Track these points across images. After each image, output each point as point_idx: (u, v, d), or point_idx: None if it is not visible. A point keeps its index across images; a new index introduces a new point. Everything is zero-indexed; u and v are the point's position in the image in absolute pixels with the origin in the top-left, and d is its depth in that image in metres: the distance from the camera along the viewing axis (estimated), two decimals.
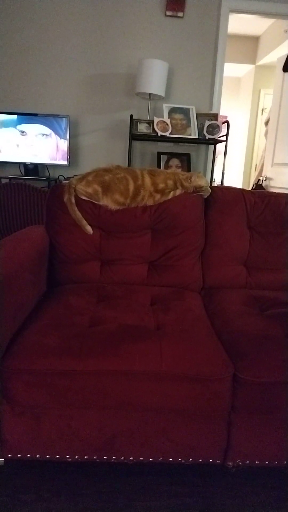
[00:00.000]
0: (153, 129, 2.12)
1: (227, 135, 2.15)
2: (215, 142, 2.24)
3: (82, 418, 0.81)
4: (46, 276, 1.15)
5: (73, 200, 1.12)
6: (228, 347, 0.84)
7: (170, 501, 0.84)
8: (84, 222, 1.14)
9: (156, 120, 2.11)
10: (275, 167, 2.56)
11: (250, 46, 3.62)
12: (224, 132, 2.17)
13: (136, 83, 2.14)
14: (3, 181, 2.07)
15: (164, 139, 2.16)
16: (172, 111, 2.19)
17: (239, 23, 3.24)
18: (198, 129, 2.18)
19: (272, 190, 2.56)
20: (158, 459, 0.85)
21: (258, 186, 2.75)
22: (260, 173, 3.15)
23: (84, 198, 1.14)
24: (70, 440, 0.82)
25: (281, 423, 0.82)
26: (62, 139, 2.17)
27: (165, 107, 2.18)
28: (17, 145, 2.16)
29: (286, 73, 2.38)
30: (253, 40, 3.62)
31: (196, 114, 2.19)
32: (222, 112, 2.76)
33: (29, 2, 2.17)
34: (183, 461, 0.85)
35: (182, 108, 2.19)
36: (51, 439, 0.82)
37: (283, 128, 2.45)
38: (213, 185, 1.82)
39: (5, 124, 2.14)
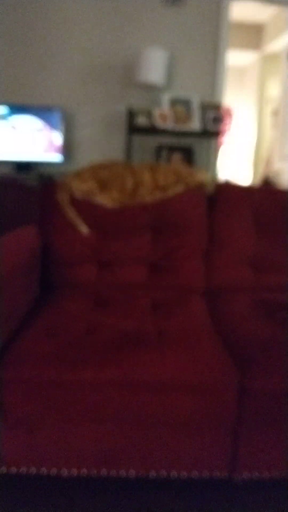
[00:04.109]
0: (153, 121, 2.05)
1: (231, 127, 2.08)
2: (219, 134, 2.17)
3: (79, 430, 0.78)
4: (39, 279, 1.13)
5: (67, 198, 1.10)
6: (234, 354, 0.82)
7: None
8: (80, 221, 1.11)
9: (156, 111, 2.05)
10: (284, 160, 2.49)
11: (254, 34, 3.54)
12: (228, 123, 2.09)
13: (135, 73, 2.08)
14: None
15: (164, 132, 2.09)
16: (173, 102, 2.13)
17: (243, 11, 3.13)
18: (200, 121, 2.11)
19: (281, 184, 2.49)
20: (160, 473, 0.82)
21: (266, 180, 2.68)
22: (267, 166, 3.08)
23: (79, 196, 1.12)
24: (66, 453, 0.80)
25: None
26: (56, 133, 2.10)
27: (166, 98, 2.12)
28: (8, 141, 2.09)
29: None
30: (258, 28, 3.52)
31: (199, 105, 2.12)
32: (226, 103, 2.67)
33: None
34: (186, 474, 0.82)
35: (183, 98, 2.12)
36: (47, 452, 0.80)
37: None
38: (216, 180, 1.77)
39: None
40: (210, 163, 2.40)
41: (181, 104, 2.14)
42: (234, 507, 0.84)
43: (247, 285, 1.20)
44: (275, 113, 3.11)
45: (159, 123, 2.05)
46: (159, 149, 2.28)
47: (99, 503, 0.84)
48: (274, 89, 3.56)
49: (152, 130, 2.11)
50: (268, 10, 3.15)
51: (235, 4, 2.27)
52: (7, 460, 0.80)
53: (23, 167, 2.16)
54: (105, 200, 1.11)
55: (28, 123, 2.07)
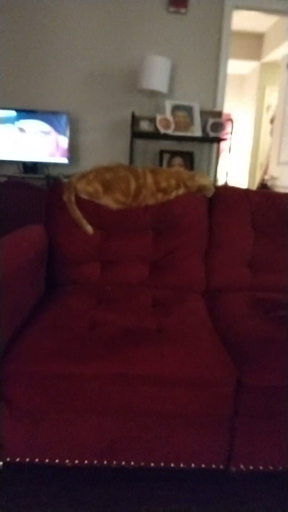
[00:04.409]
0: (155, 126, 2.09)
1: (231, 133, 2.12)
2: (219, 140, 2.21)
3: (81, 422, 0.80)
4: (45, 277, 1.14)
5: (73, 199, 1.11)
6: (232, 351, 0.83)
7: (171, 507, 0.82)
8: (84, 221, 1.12)
9: (158, 117, 2.09)
10: (280, 166, 2.52)
11: (254, 43, 3.58)
12: (228, 130, 2.14)
13: (138, 80, 2.11)
14: (1, 179, 2.05)
15: (166, 137, 2.13)
16: (175, 108, 2.16)
17: (243, 20, 3.19)
18: (201, 127, 2.15)
19: (277, 189, 2.52)
20: (159, 464, 0.83)
21: (263, 185, 2.71)
22: (265, 172, 3.12)
23: (84, 197, 1.12)
24: (69, 444, 0.81)
25: (286, 427, 0.81)
26: (62, 136, 2.14)
27: (168, 104, 2.15)
28: (16, 143, 2.13)
29: None
30: (258, 37, 3.57)
31: (200, 111, 2.16)
32: (226, 110, 2.72)
33: None
34: (184, 466, 0.83)
35: (185, 105, 2.16)
36: (50, 443, 0.81)
37: None
38: (216, 184, 1.80)
39: (3, 121, 2.11)
40: (210, 168, 2.43)
41: (183, 111, 2.17)
42: (230, 497, 0.85)
43: (246, 285, 1.20)
44: (273, 120, 3.16)
45: (161, 129, 2.09)
46: (161, 154, 2.31)
47: (99, 492, 0.84)
48: (273, 97, 3.62)
49: (154, 135, 2.13)
50: (268, 19, 3.20)
51: (236, 14, 2.33)
52: (11, 451, 0.81)
53: (30, 168, 2.19)
54: (109, 201, 1.11)
55: (36, 126, 2.10)
